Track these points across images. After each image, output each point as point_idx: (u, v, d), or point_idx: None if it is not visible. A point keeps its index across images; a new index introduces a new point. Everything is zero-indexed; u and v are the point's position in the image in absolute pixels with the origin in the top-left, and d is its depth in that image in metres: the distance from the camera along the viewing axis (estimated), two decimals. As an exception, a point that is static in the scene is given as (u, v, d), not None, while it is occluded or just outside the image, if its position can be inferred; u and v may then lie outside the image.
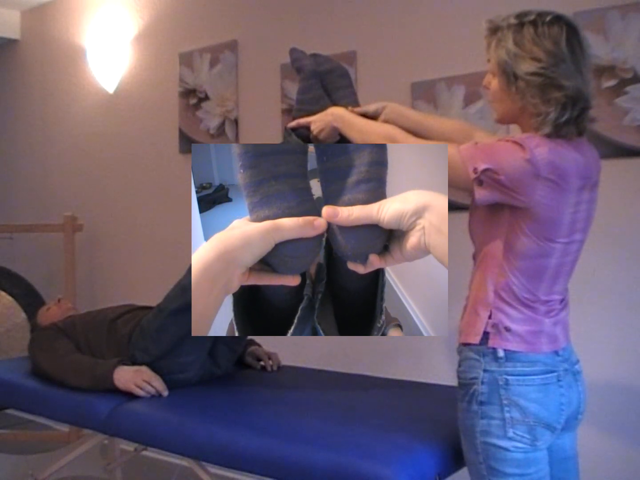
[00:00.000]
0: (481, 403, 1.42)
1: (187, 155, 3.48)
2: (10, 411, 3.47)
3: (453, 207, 2.62)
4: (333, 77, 1.75)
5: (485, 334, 1.44)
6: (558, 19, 1.40)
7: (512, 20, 1.41)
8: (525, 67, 1.38)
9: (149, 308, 2.35)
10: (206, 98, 3.38)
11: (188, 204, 3.48)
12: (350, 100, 1.78)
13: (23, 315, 3.68)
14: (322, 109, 1.72)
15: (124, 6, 3.73)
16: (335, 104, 1.75)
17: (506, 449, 1.40)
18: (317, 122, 1.69)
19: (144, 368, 2.03)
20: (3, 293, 3.69)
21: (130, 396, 1.97)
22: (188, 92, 3.44)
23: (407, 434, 1.60)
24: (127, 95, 3.73)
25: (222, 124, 3.32)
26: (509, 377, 1.40)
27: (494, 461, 1.41)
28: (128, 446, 2.61)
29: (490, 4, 2.55)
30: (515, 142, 1.38)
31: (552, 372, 1.44)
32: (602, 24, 2.30)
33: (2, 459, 3.46)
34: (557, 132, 1.39)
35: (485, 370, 1.42)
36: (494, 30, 1.44)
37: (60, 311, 2.51)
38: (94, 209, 3.89)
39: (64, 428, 3.67)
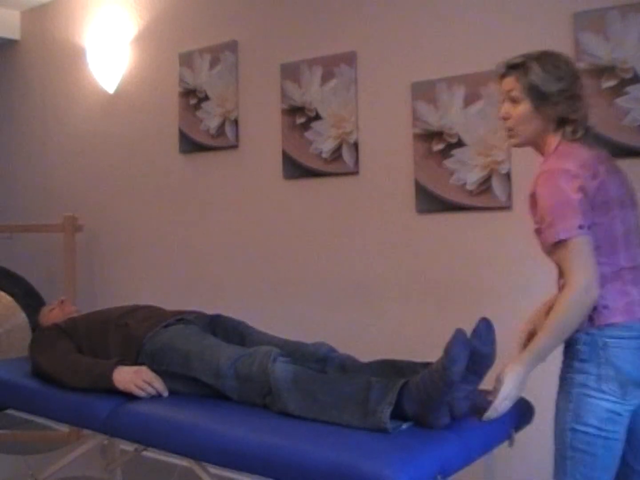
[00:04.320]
0: (581, 360, 1.62)
1: (187, 155, 3.48)
2: (10, 411, 3.46)
3: (453, 207, 2.63)
4: (477, 359, 1.64)
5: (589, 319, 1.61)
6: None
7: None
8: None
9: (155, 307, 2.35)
10: (206, 98, 3.37)
11: (188, 204, 3.48)
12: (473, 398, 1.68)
13: (23, 315, 3.67)
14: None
15: (124, 6, 3.73)
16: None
17: (597, 398, 1.58)
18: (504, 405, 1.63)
19: (143, 368, 2.02)
20: (3, 293, 3.68)
21: (130, 396, 1.96)
22: (188, 92, 3.44)
23: (407, 433, 1.60)
24: (127, 95, 3.73)
25: (222, 124, 3.31)
26: (608, 340, 1.59)
27: (583, 410, 1.59)
28: (128, 446, 2.61)
29: (490, 4, 2.55)
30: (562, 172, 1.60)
31: None
32: (602, 24, 2.30)
33: (2, 459, 3.45)
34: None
35: (587, 333, 1.61)
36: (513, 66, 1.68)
37: (62, 314, 2.50)
38: (94, 209, 3.89)
39: (64, 428, 3.67)
